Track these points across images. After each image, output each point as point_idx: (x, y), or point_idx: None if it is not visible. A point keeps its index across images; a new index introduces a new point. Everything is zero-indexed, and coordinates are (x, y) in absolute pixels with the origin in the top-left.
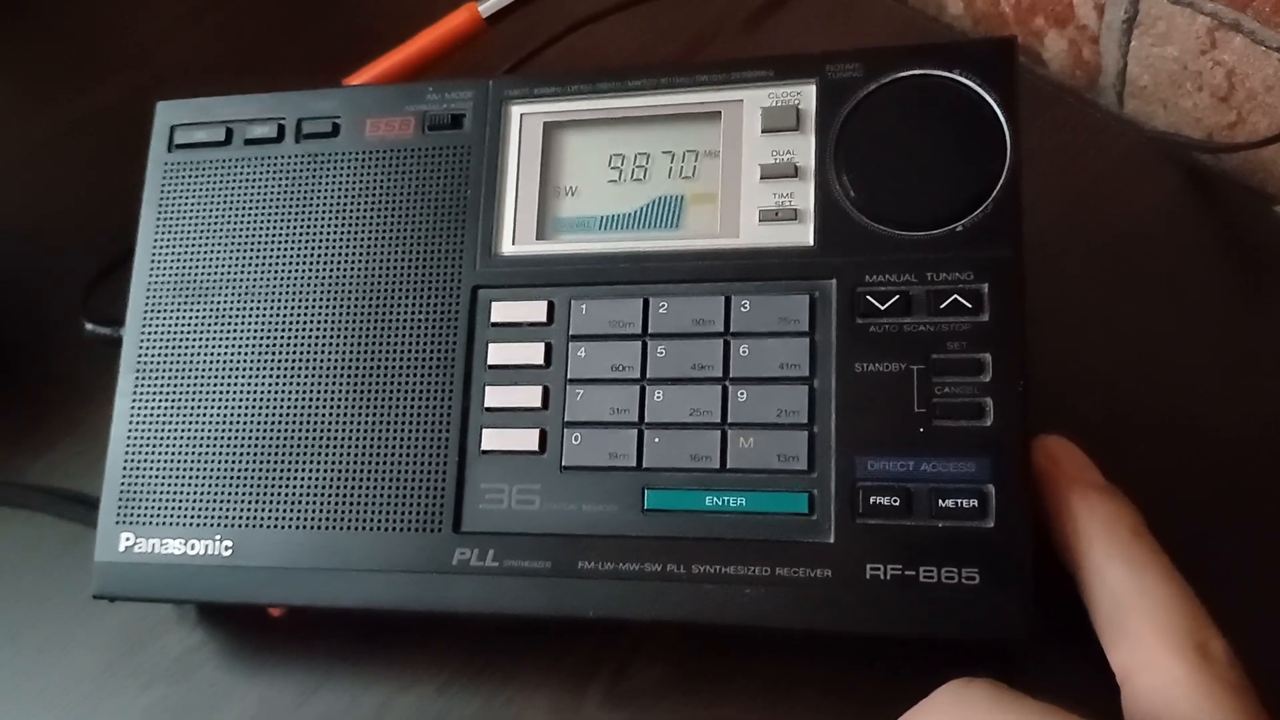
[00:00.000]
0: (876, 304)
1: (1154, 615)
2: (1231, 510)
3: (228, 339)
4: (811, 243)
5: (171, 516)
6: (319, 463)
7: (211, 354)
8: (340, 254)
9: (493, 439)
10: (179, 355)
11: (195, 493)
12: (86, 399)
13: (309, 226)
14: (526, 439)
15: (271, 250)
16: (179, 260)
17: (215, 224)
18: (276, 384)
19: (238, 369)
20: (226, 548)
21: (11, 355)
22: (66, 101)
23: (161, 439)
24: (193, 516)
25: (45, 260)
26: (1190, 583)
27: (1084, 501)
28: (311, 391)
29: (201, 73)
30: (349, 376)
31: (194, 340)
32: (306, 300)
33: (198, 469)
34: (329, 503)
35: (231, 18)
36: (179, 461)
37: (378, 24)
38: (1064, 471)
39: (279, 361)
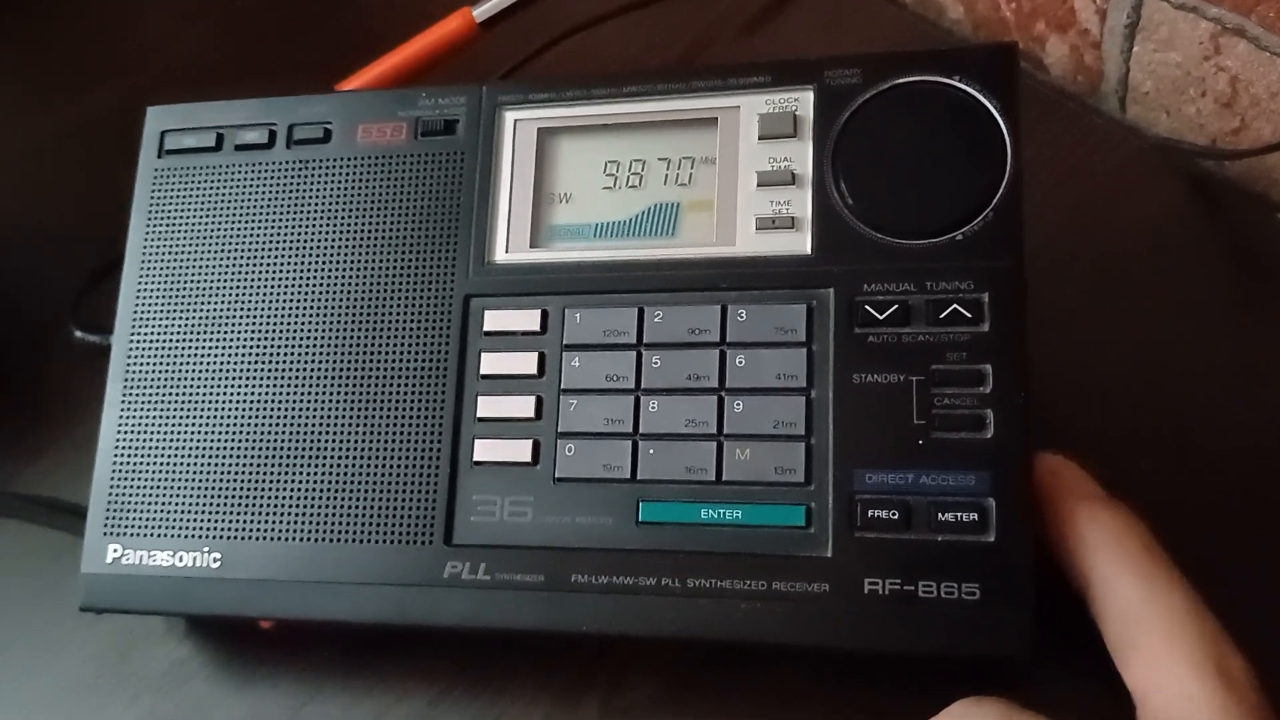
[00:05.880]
0: (875, 314)
1: (1170, 632)
2: (1236, 519)
3: (217, 348)
4: (809, 251)
5: (159, 528)
6: (309, 474)
7: (201, 363)
8: (331, 262)
9: (485, 450)
10: (168, 364)
11: (184, 504)
12: (78, 406)
13: (300, 234)
14: (519, 450)
15: (262, 258)
16: (168, 268)
17: (205, 231)
18: (266, 393)
19: (227, 378)
20: (215, 560)
21: (2, 361)
22: (60, 106)
23: (150, 449)
24: (181, 528)
25: (38, 265)
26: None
27: (1091, 516)
28: (301, 401)
29: (196, 77)
30: (339, 386)
31: (183, 349)
32: (296, 308)
33: (186, 480)
34: (319, 514)
35: (227, 23)
36: (167, 472)
37: (372, 29)
38: (1067, 487)
39: (269, 371)
